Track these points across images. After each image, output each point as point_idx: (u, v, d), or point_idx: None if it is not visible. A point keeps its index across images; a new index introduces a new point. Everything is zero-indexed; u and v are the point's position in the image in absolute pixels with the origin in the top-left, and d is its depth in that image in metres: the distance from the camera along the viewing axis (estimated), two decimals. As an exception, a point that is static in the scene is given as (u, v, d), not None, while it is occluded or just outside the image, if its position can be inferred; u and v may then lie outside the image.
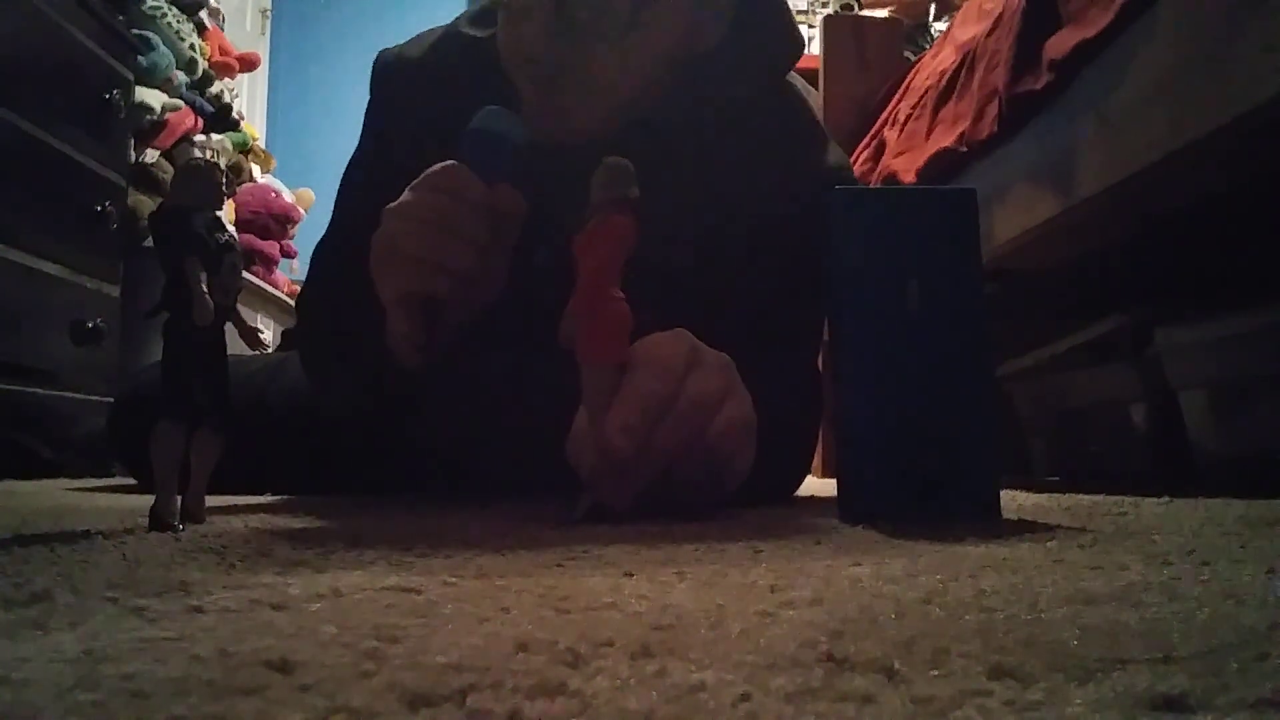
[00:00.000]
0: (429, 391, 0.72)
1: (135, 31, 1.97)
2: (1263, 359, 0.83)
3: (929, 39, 2.19)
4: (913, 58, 1.78)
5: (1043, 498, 0.77)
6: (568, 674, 0.19)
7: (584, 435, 0.52)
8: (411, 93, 0.80)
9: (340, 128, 0.88)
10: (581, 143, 0.69)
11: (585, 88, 0.69)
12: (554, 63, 0.68)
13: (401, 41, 0.86)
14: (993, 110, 1.10)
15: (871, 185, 1.47)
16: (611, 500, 0.52)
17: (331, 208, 0.84)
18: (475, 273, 0.59)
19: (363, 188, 0.81)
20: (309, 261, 0.85)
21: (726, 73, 0.74)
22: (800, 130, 0.80)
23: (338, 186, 0.85)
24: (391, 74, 0.84)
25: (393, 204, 0.60)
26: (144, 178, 2.04)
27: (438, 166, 0.59)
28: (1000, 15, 1.12)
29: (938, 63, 1.39)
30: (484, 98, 0.62)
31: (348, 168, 0.85)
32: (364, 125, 0.86)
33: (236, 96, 2.90)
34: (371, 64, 0.86)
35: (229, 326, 0.52)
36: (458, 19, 0.84)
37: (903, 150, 1.40)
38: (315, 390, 0.84)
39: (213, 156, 2.43)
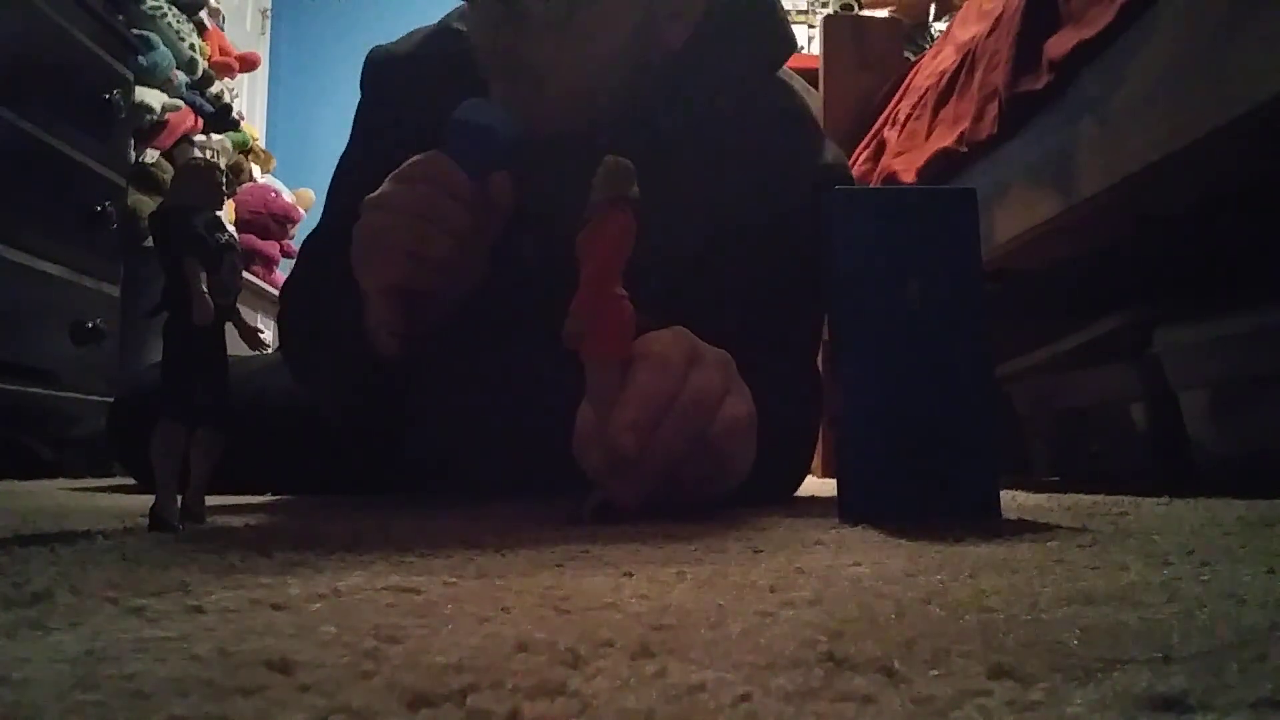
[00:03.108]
0: (411, 387, 0.72)
1: (135, 31, 1.97)
2: (1263, 359, 0.83)
3: (929, 39, 2.18)
4: (913, 58, 1.78)
5: (1043, 498, 0.77)
6: (568, 674, 0.19)
7: (589, 433, 0.52)
8: (401, 89, 0.81)
9: (340, 128, 0.88)
10: (550, 136, 0.68)
11: (537, 79, 0.68)
12: (505, 52, 0.67)
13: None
14: (993, 110, 1.10)
15: (871, 185, 1.47)
16: (621, 498, 0.52)
17: (331, 207, 0.84)
18: (455, 263, 0.60)
19: (352, 184, 0.80)
20: (296, 256, 0.86)
21: (704, 74, 0.74)
22: (795, 129, 0.80)
23: (329, 183, 0.86)
24: (382, 70, 0.84)
25: (372, 195, 0.60)
26: (144, 178, 2.03)
27: (418, 156, 0.60)
28: (1000, 15, 1.12)
29: (938, 63, 1.39)
30: (474, 92, 0.62)
31: (338, 165, 0.86)
32: (355, 122, 0.86)
33: (236, 96, 2.89)
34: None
35: (229, 326, 0.52)
36: (449, 15, 0.83)
37: (903, 150, 1.40)
38: (297, 380, 0.83)
39: (213, 156, 2.43)
